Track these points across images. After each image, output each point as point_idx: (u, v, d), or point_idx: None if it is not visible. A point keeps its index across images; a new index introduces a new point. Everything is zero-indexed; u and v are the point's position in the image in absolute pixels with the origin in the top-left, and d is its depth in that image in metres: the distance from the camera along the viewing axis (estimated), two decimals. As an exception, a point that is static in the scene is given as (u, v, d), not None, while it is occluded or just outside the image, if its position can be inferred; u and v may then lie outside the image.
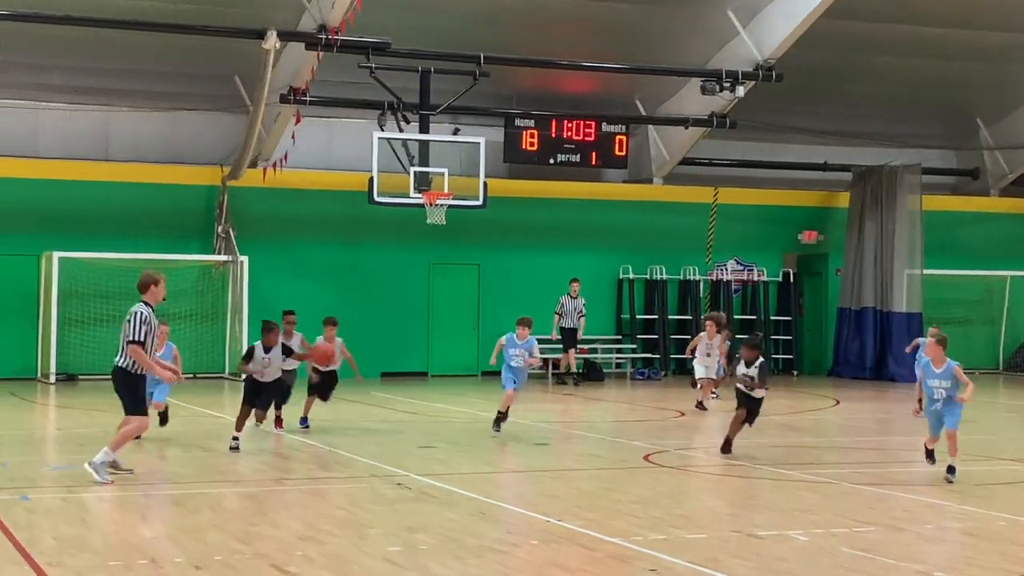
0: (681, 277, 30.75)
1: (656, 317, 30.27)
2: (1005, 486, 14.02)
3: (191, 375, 26.46)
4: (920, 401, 14.11)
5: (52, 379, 25.53)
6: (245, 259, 27.07)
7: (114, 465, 12.83)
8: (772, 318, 31.25)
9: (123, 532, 10.53)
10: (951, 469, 13.41)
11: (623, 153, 29.62)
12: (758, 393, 15.57)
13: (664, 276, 30.58)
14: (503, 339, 17.77)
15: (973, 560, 10.05)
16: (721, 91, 27.54)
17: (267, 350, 15.68)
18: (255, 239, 27.33)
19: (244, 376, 16.96)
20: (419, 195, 25.41)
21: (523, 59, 27.38)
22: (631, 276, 30.29)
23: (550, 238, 29.61)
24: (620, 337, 30.24)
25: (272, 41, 23.82)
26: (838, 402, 24.25)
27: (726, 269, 31.10)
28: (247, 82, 26.29)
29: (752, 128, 29.50)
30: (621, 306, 30.29)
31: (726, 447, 15.62)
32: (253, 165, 27.30)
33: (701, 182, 31.00)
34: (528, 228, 29.34)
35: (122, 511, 11.18)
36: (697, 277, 30.86)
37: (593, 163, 29.37)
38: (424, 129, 26.10)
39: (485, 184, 26.15)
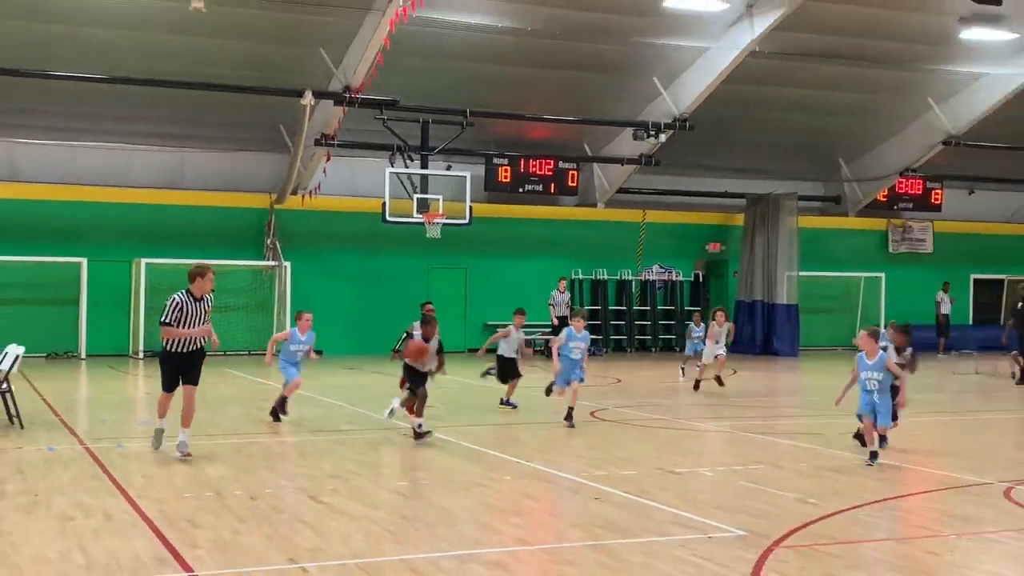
0: (618, 278, 30.90)
1: (599, 308, 30.36)
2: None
3: (247, 351, 26.68)
4: (846, 390, 11.93)
5: (140, 355, 25.54)
6: (288, 264, 27.25)
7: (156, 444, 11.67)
8: (686, 308, 31.36)
9: (195, 472, 10.54)
10: (873, 455, 11.31)
11: (574, 184, 29.76)
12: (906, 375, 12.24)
13: (605, 277, 30.72)
14: (562, 337, 15.07)
15: (837, 491, 10.13)
16: (648, 137, 27.78)
17: (426, 341, 13.10)
18: (296, 249, 27.50)
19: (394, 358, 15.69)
20: (420, 216, 25.80)
21: (499, 113, 27.57)
22: (580, 277, 30.41)
23: (520, 248, 29.79)
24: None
25: (309, 99, 24.19)
26: (735, 371, 24.32)
27: (651, 272, 31.26)
28: (289, 129, 26.38)
29: (672, 165, 29.61)
30: (572, 299, 30.34)
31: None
32: (294, 192, 27.43)
33: (633, 206, 31.13)
34: (503, 241, 29.49)
35: (194, 456, 11.17)
36: (630, 278, 31.00)
37: (552, 192, 29.50)
38: (424, 166, 26.40)
39: (470, 207, 26.53)
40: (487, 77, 26.56)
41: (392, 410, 13.27)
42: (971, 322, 33.70)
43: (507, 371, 16.43)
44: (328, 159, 26.72)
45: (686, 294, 31.69)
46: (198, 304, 11.32)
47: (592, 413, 15.87)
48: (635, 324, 30.85)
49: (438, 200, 25.99)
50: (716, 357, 19.64)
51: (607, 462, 11.54)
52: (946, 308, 31.95)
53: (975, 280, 34.61)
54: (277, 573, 7.07)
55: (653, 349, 30.94)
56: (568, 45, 25.64)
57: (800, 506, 9.36)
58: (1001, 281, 34.06)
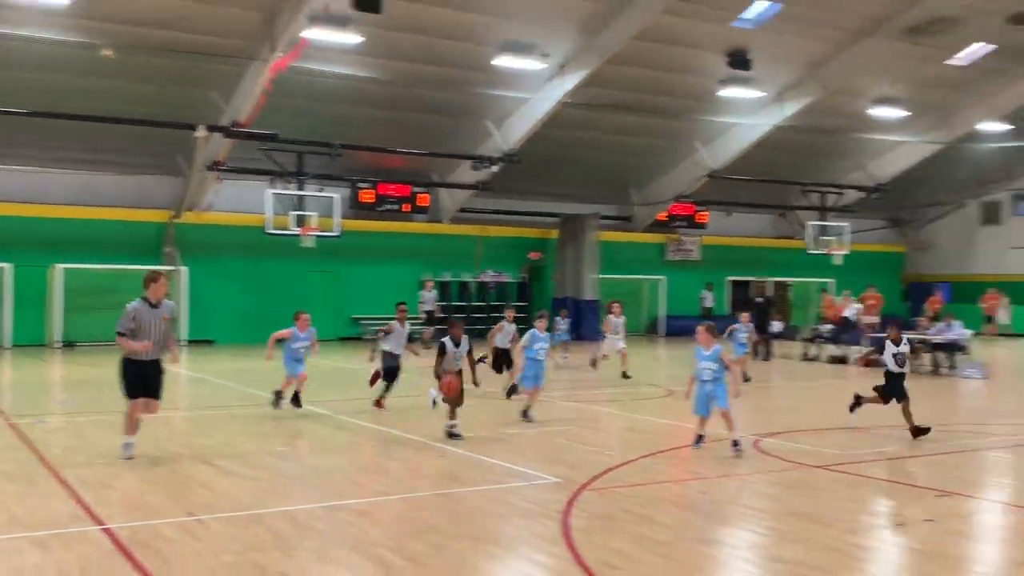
0: (460, 280, 30.93)
1: (445, 303, 30.37)
2: (655, 400, 14.51)
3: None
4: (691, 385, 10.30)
5: (58, 345, 24.43)
6: (185, 269, 26.27)
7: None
8: (515, 303, 31.60)
9: (106, 444, 10.12)
10: (735, 443, 9.69)
11: (425, 204, 29.60)
12: (907, 368, 11.17)
13: (450, 279, 30.69)
14: (526, 339, 12.55)
15: (630, 445, 10.40)
16: (483, 168, 27.95)
17: (456, 344, 10.83)
18: (192, 256, 26.51)
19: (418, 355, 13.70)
20: (297, 229, 25.48)
21: (363, 146, 27.24)
22: (429, 278, 30.31)
23: (381, 256, 29.47)
24: (423, 316, 30.22)
25: (201, 132, 23.46)
26: (567, 355, 24.67)
27: (487, 275, 31.40)
28: (185, 156, 25.50)
29: (502, 190, 29.80)
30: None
31: (918, 432, 10.88)
32: (189, 209, 26.54)
33: (472, 222, 31.19)
34: (367, 250, 29.16)
35: (106, 431, 10.70)
36: (469, 280, 31.07)
37: (407, 210, 29.32)
38: (300, 188, 25.96)
39: (339, 223, 26.25)
40: (353, 116, 26.27)
41: (435, 401, 10.83)
42: (729, 313, 34.96)
43: (394, 371, 13.41)
44: (219, 182, 26.13)
45: (514, 293, 32.01)
46: (154, 310, 9.30)
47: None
48: (473, 317, 30.96)
49: (312, 216, 25.84)
50: (620, 351, 18.32)
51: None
52: (709, 303, 33.14)
53: (732, 281, 35.99)
54: (177, 524, 6.87)
55: (486, 336, 31.09)
56: (419, 92, 25.60)
57: (601, 457, 9.59)
58: (749, 282, 35.54)
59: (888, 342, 11.36)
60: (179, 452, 9.87)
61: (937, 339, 20.30)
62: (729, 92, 27.75)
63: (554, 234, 32.15)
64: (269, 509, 7.35)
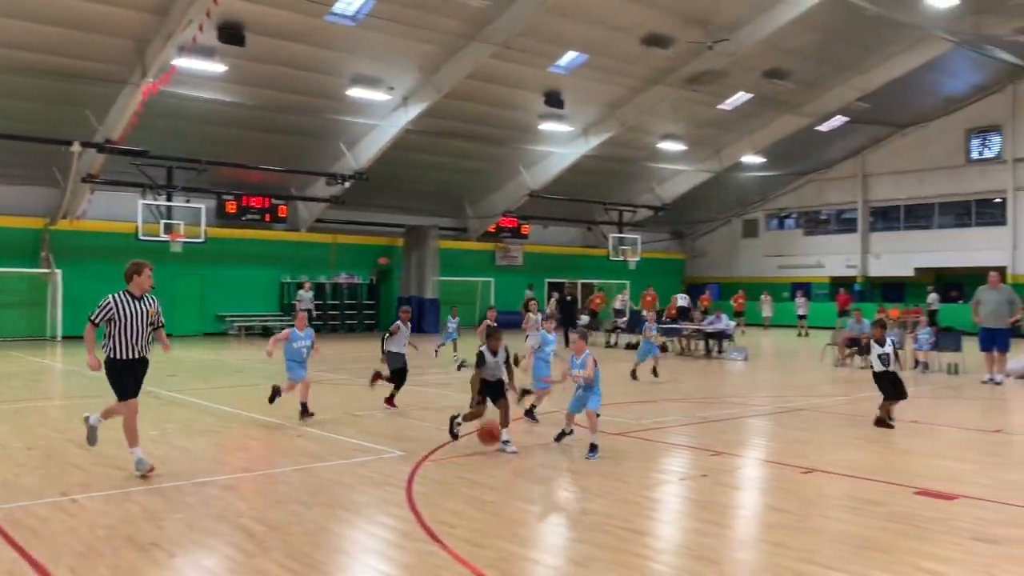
0: (316, 282, 30.12)
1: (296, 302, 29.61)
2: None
3: (25, 338, 23.98)
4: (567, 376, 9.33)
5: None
6: (59, 272, 24.63)
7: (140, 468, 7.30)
8: (365, 301, 31.18)
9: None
10: (592, 448, 8.37)
11: (284, 215, 28.73)
12: (896, 366, 10.13)
13: (307, 281, 29.85)
14: (536, 341, 11.09)
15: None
16: (337, 184, 27.35)
17: (494, 354, 9.00)
18: (66, 260, 24.80)
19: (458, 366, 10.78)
20: (166, 236, 24.17)
21: (227, 162, 26.12)
22: (288, 280, 29.43)
23: (244, 260, 28.39)
24: (282, 313, 29.35)
25: (77, 147, 21.93)
26: (416, 348, 24.44)
27: (341, 277, 30.74)
28: (63, 169, 23.69)
29: (354, 203, 29.33)
30: (283, 297, 29.38)
31: (879, 423, 10.11)
32: (64, 217, 24.75)
33: (327, 231, 30.50)
34: (231, 255, 28.01)
35: (-19, 419, 9.78)
36: (325, 281, 30.27)
37: (267, 220, 28.38)
38: (169, 199, 24.63)
39: (205, 231, 25.12)
40: (219, 136, 25.16)
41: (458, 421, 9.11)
42: (546, 310, 35.65)
43: (402, 371, 11.68)
44: (92, 192, 24.54)
45: (365, 292, 31.49)
46: (138, 303, 7.46)
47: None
48: (328, 314, 30.29)
49: (180, 225, 24.58)
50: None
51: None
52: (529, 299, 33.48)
53: (549, 283, 36.78)
54: (52, 503, 6.37)
55: (341, 331, 30.48)
56: (280, 117, 24.79)
57: (439, 433, 9.57)
58: (563, 283, 36.43)
59: (873, 343, 10.16)
60: (54, 438, 9.18)
61: (708, 329, 21.42)
62: (546, 126, 28.37)
63: (400, 242, 31.88)
64: (141, 487, 6.92)
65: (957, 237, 34.55)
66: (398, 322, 11.89)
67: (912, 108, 33.61)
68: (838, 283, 37.88)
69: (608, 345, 24.34)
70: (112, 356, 7.32)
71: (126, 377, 7.35)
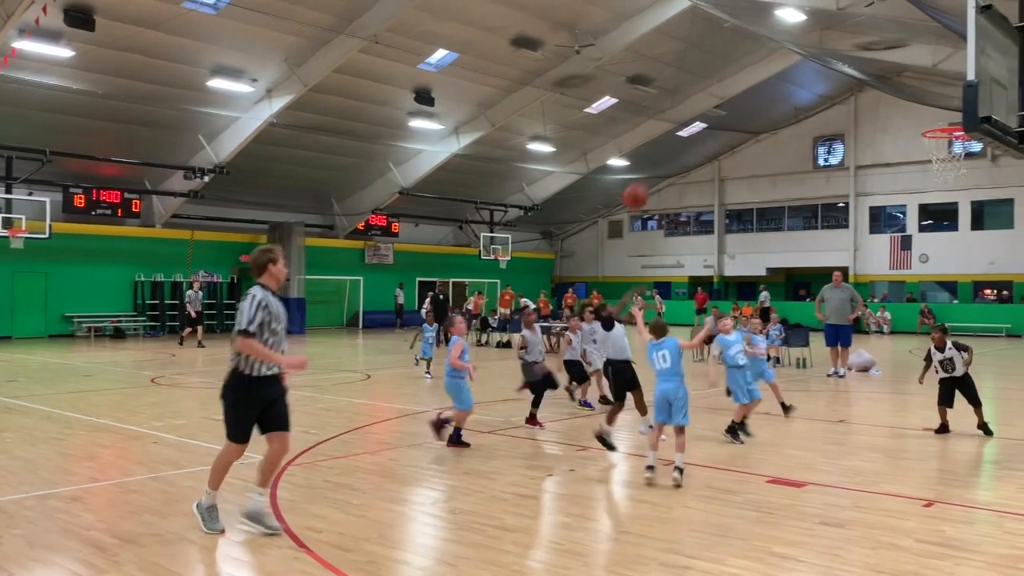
0: (173, 280, 28.79)
1: (157, 301, 28.20)
2: (354, 384, 14.37)
3: None
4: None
5: None
6: None
7: (253, 517, 5.65)
8: (224, 301, 30.07)
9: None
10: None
11: (138, 210, 27.41)
12: (961, 370, 9.36)
13: (163, 279, 28.50)
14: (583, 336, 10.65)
15: (329, 424, 10.22)
16: (195, 178, 26.25)
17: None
18: None
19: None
20: (5, 231, 22.61)
21: (75, 153, 24.64)
22: (142, 279, 27.99)
23: (94, 257, 26.78)
24: (136, 314, 27.91)
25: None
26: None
27: (199, 275, 29.46)
28: None
29: (214, 198, 28.28)
30: (136, 296, 27.91)
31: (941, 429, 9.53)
32: None
33: (184, 227, 29.22)
34: (80, 252, 26.37)
35: None
36: (182, 280, 28.94)
37: (120, 215, 26.95)
38: (8, 192, 23.07)
39: (50, 225, 23.70)
40: (66, 125, 23.63)
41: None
42: (416, 308, 35.52)
43: (546, 380, 10.43)
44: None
45: (225, 291, 30.33)
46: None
47: (152, 380, 14.70)
48: (186, 314, 28.96)
49: (21, 219, 22.93)
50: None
51: (164, 415, 10.74)
52: (401, 299, 33.43)
53: (420, 281, 36.64)
54: None
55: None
56: (134, 107, 23.55)
57: (305, 436, 9.37)
58: (435, 282, 36.37)
59: (932, 349, 9.44)
60: None
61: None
62: (417, 123, 28.23)
63: (263, 239, 30.92)
64: (-26, 503, 6.41)
65: (805, 239, 36.78)
66: (526, 332, 10.45)
67: (765, 116, 35.56)
68: (697, 282, 39.60)
69: (479, 344, 24.49)
70: (245, 371, 5.45)
71: (252, 407, 5.55)
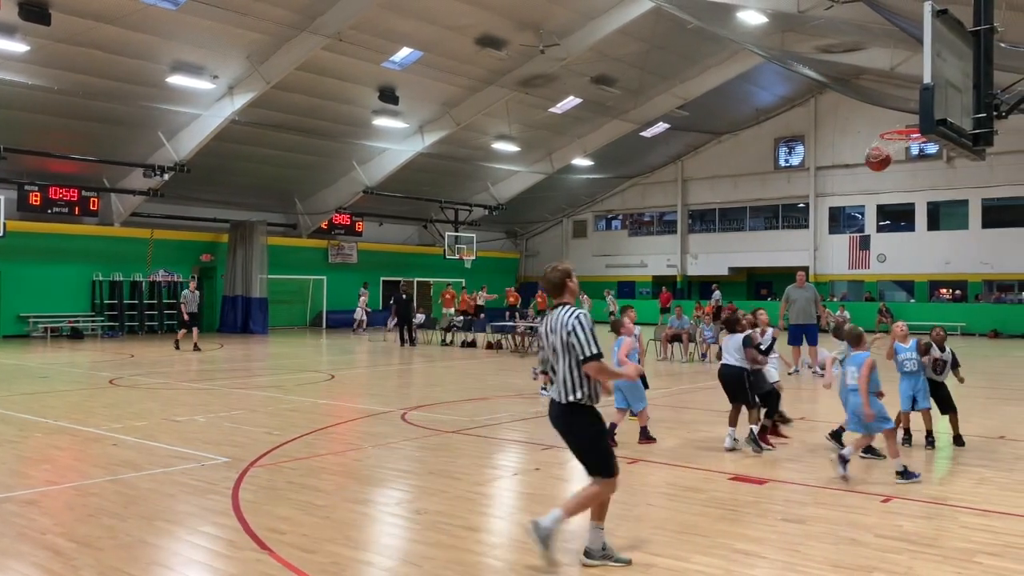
0: (132, 279, 28.25)
1: (116, 301, 27.67)
2: (317, 384, 14.25)
3: None
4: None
5: None
6: None
7: (597, 553, 5.15)
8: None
9: None
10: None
11: (96, 208, 26.83)
12: (945, 375, 8.89)
13: (122, 279, 27.90)
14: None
15: (293, 425, 10.13)
16: (155, 176, 25.78)
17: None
18: None
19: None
20: (-43, 229, 21.89)
21: (30, 150, 23.99)
22: (100, 279, 27.41)
23: (51, 256, 26.11)
24: (94, 314, 27.38)
25: None
26: (222, 345, 23.49)
27: (159, 275, 28.97)
28: None
29: (175, 196, 27.78)
30: (95, 296, 27.33)
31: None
32: None
33: (144, 226, 28.63)
34: (35, 251, 25.70)
35: None
36: (141, 279, 28.42)
37: (77, 213, 26.36)
38: (-39, 189, 22.37)
39: (5, 224, 23.17)
40: (21, 121, 23.05)
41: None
42: (380, 308, 35.31)
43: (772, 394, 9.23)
44: None
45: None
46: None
47: (111, 381, 14.44)
48: (145, 314, 28.53)
49: (-26, 218, 22.39)
50: None
51: (123, 417, 10.55)
52: (363, 301, 32.19)
53: (384, 281, 36.46)
54: None
55: (159, 332, 28.71)
56: (90, 103, 23.06)
57: (267, 436, 9.28)
58: (399, 281, 36.25)
59: (934, 346, 8.84)
60: None
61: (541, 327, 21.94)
62: (381, 122, 28.07)
63: (224, 238, 30.54)
64: (-76, 508, 6.24)
65: (766, 239, 37.26)
66: (754, 331, 9.18)
67: (727, 117, 35.95)
68: (660, 282, 39.95)
69: (444, 343, 24.43)
70: (590, 402, 4.99)
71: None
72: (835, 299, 34.28)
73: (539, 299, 29.92)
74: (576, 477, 7.76)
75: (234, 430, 9.77)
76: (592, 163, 36.25)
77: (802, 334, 16.26)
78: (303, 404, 11.85)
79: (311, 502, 6.53)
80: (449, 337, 24.88)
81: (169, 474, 7.46)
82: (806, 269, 35.18)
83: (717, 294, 33.73)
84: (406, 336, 24.05)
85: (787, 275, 38.44)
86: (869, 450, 8.10)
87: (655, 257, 40.32)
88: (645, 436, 9.08)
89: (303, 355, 20.73)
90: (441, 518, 6.10)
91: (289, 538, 5.60)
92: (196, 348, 21.31)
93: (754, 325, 9.47)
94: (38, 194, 25.36)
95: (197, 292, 22.70)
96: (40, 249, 25.93)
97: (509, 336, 22.89)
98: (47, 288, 25.98)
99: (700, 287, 40.32)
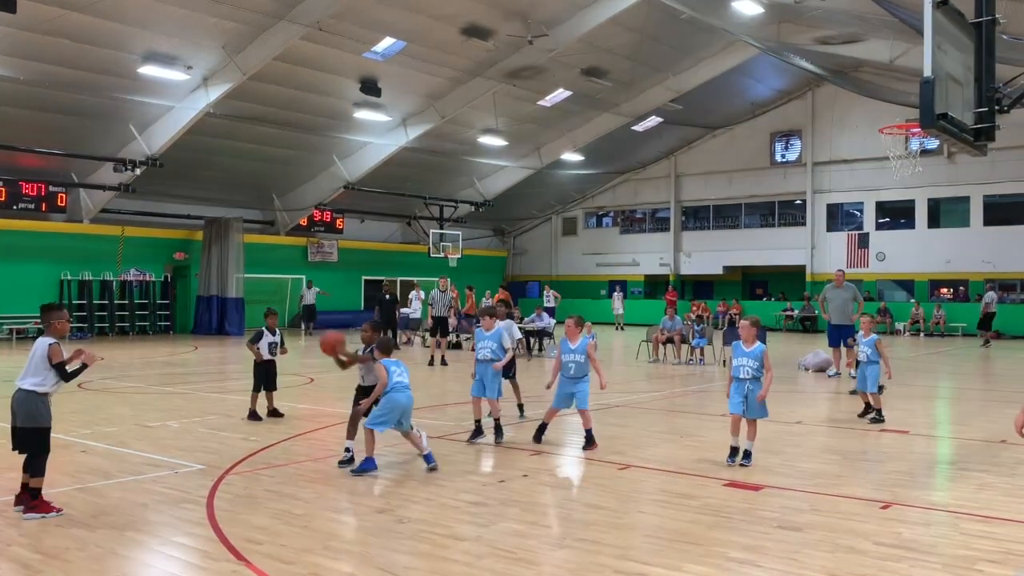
0: (102, 279, 28.04)
1: (86, 302, 27.44)
2: (296, 388, 14.19)
3: None
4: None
5: None
6: None
7: None
8: (158, 301, 29.42)
9: None
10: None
11: (63, 204, 26.65)
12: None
13: (91, 278, 27.68)
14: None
15: (271, 430, 10.07)
16: (126, 170, 25.67)
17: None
18: None
19: None
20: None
21: (-6, 143, 23.89)
22: (69, 278, 27.19)
23: (15, 254, 25.88)
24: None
25: None
26: (196, 347, 23.38)
27: (130, 274, 28.78)
28: None
29: (146, 192, 27.62)
30: (62, 296, 27.04)
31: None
32: None
33: (114, 222, 28.49)
34: (1, 248, 25.65)
35: None
36: (111, 279, 28.22)
37: (43, 209, 26.20)
38: (-79, 183, 22.07)
39: (-33, 220, 22.74)
40: (-16, 113, 22.91)
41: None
42: (362, 308, 35.22)
43: None
44: None
45: (158, 291, 29.68)
46: None
47: (79, 385, 14.33)
48: (116, 315, 28.35)
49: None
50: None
51: (92, 422, 10.48)
52: (309, 299, 31.11)
53: (366, 280, 36.37)
54: None
55: (130, 333, 28.57)
56: (59, 95, 22.93)
57: (244, 443, 9.24)
58: (381, 280, 36.22)
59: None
60: None
61: (529, 327, 22.00)
62: (362, 115, 28.01)
63: (199, 235, 30.40)
64: None
65: (762, 236, 37.34)
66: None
67: (721, 111, 36.06)
68: (653, 281, 40.02)
69: (427, 346, 24.37)
70: None
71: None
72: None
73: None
74: (564, 483, 7.77)
75: (209, 436, 9.73)
76: (582, 158, 36.27)
77: (840, 334, 16.11)
78: (281, 409, 11.80)
79: (289, 511, 6.51)
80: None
81: (141, 482, 7.42)
82: (803, 268, 35.38)
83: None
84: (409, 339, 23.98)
85: (782, 274, 38.95)
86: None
87: (647, 255, 40.39)
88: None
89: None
90: (425, 527, 6.09)
91: (266, 548, 5.59)
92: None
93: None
94: (3, 189, 25.22)
95: (315, 289, 24.07)
96: (5, 246, 25.75)
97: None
98: (12, 287, 25.76)
99: (694, 287, 40.39)
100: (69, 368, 6.51)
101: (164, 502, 6.76)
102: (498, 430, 9.39)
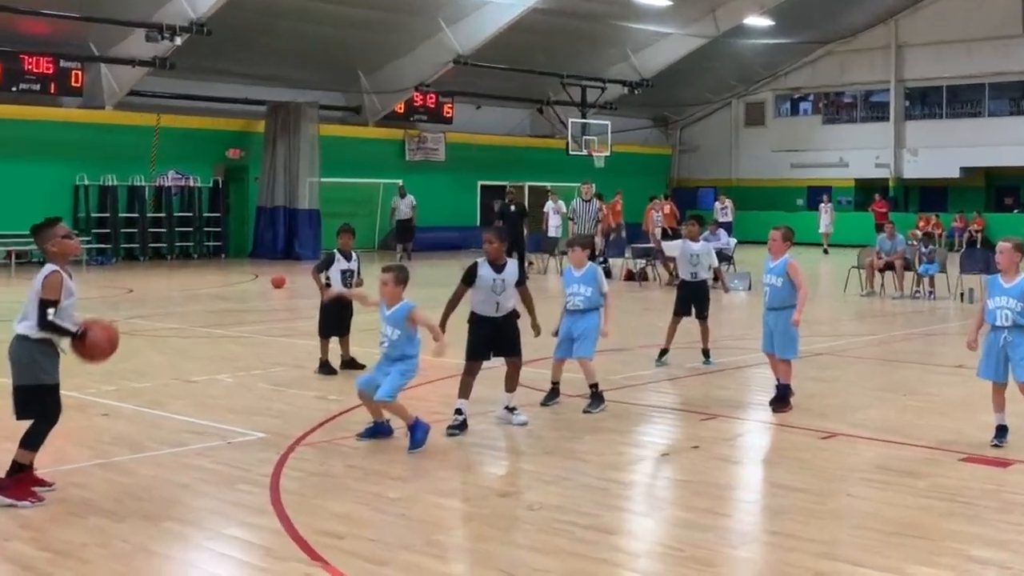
0: (129, 184, 29.18)
1: (108, 215, 28.68)
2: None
3: None
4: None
5: None
6: None
7: None
8: (205, 215, 30.52)
9: None
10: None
11: (79, 85, 27.68)
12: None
13: (115, 183, 28.80)
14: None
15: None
16: (162, 40, 26.39)
17: (497, 268, 8.79)
18: None
19: None
20: None
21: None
22: (86, 183, 28.43)
23: (18, 151, 26.98)
24: (77, 231, 28.43)
25: None
26: (257, 276, 24.15)
27: (167, 178, 29.88)
28: None
29: (189, 69, 28.43)
30: (78, 207, 28.30)
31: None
32: None
33: (146, 109, 29.48)
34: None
35: None
36: (143, 184, 29.33)
37: (53, 92, 27.33)
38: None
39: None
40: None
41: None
42: (478, 223, 35.42)
43: None
44: None
45: (205, 200, 30.73)
46: None
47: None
48: (149, 232, 29.49)
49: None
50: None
51: (117, 376, 10.80)
52: (405, 212, 31.56)
53: (482, 186, 36.60)
54: None
55: (169, 257, 29.69)
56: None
57: (320, 403, 9.42)
58: (504, 187, 36.34)
59: None
60: None
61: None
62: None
63: (260, 126, 31.26)
64: None
65: (1012, 127, 36.38)
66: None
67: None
68: (865, 186, 39.72)
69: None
70: None
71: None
72: None
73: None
74: (748, 458, 7.68)
75: (273, 394, 9.98)
76: (772, 23, 35.40)
77: None
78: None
79: (380, 494, 6.61)
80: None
81: (181, 456, 7.66)
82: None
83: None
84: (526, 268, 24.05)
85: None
86: None
87: (858, 153, 40.02)
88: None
89: (372, 287, 21.00)
90: (561, 515, 6.13)
91: (350, 544, 5.67)
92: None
93: None
94: (0, 65, 26.32)
95: (409, 197, 25.13)
96: (3, 141, 26.95)
97: (658, 264, 23.01)
98: (12, 197, 26.71)
99: (920, 194, 39.73)
100: (53, 318, 6.41)
101: (213, 482, 6.95)
102: (598, 397, 9.11)
